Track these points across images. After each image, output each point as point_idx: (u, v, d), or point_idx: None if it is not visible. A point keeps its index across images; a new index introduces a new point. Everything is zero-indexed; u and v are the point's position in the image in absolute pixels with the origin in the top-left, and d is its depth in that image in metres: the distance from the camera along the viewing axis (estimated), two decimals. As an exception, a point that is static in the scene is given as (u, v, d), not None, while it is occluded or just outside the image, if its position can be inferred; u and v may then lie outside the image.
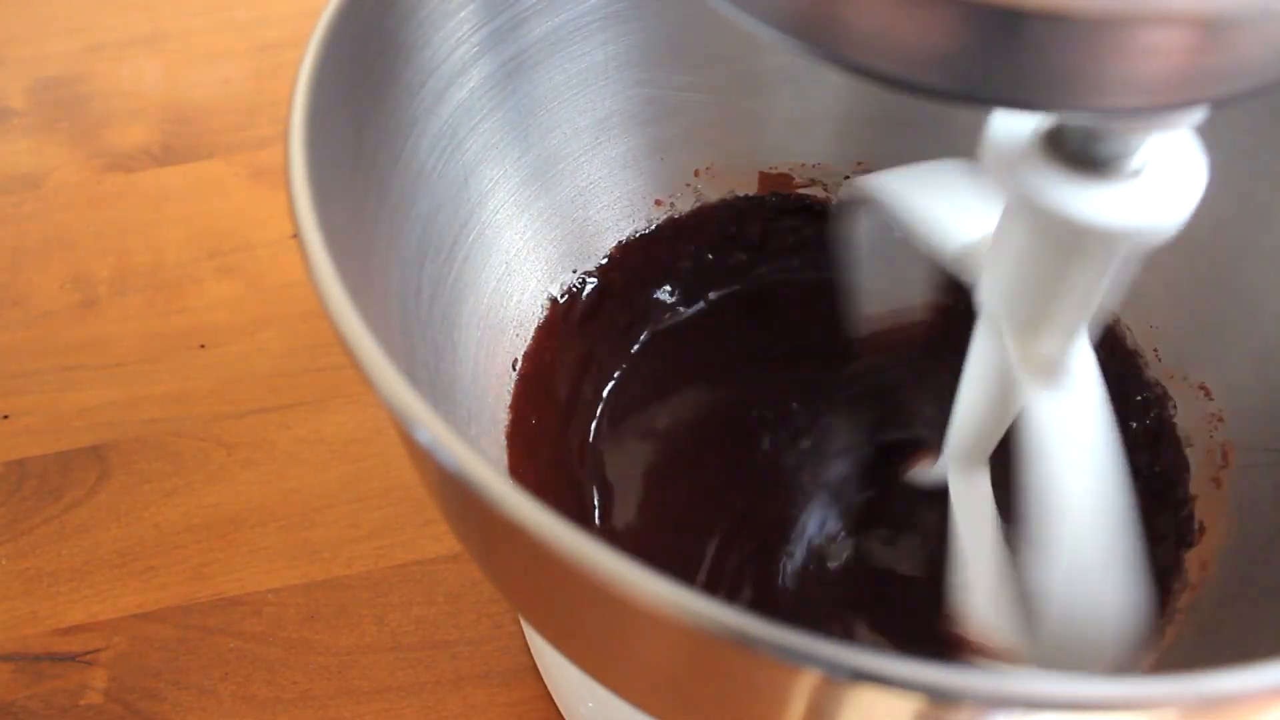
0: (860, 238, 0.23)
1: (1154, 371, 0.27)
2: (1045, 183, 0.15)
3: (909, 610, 0.25)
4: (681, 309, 0.30)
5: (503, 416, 0.25)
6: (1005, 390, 0.20)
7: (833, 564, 0.26)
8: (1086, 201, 0.15)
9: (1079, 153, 0.15)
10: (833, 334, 0.30)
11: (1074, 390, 0.18)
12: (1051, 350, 0.18)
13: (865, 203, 0.20)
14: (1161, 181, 0.15)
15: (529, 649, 0.28)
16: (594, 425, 0.28)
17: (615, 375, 0.29)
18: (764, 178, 0.30)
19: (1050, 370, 0.18)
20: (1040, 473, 0.17)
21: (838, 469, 0.27)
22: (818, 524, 0.26)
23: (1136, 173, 0.15)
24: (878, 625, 0.25)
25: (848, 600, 0.25)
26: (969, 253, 0.19)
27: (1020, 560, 0.19)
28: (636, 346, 0.30)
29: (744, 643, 0.12)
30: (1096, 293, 0.17)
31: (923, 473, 0.25)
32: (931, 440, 0.26)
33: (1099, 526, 0.17)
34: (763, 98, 0.28)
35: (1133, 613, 0.17)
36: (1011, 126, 0.16)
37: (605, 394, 0.29)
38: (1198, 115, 0.14)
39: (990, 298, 0.19)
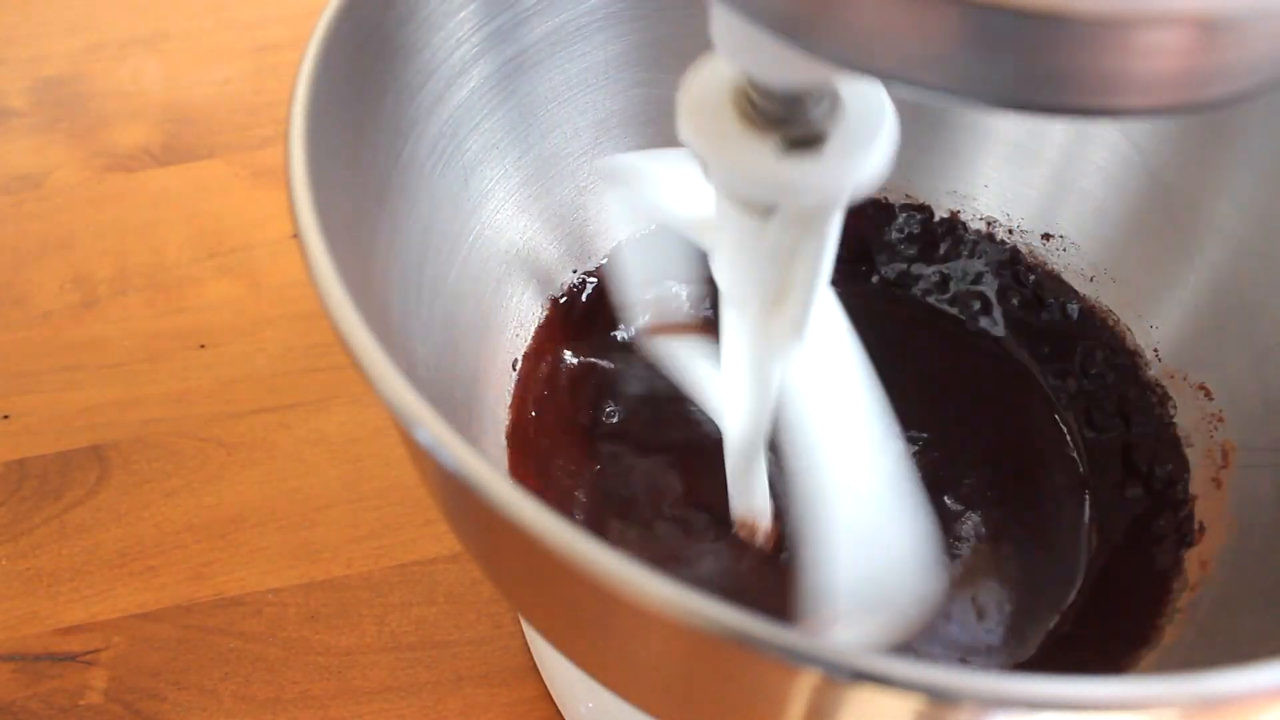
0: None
1: (1154, 371, 0.27)
2: (740, 157, 0.15)
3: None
4: (681, 309, 0.30)
5: (503, 416, 0.25)
6: (762, 365, 0.20)
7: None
8: (780, 169, 0.15)
9: (767, 115, 0.15)
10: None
11: (823, 347, 0.19)
12: (793, 315, 0.18)
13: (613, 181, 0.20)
14: (852, 139, 0.15)
15: (529, 649, 0.28)
16: (594, 425, 0.28)
17: (615, 375, 0.29)
18: (764, 178, 0.30)
19: (796, 333, 0.18)
20: (805, 432, 0.18)
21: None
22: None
23: (825, 135, 0.15)
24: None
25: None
26: (701, 230, 0.19)
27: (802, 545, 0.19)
28: (636, 346, 0.30)
29: (744, 643, 0.12)
30: (819, 255, 0.17)
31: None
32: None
33: (871, 474, 0.17)
34: (763, 98, 0.28)
35: (920, 555, 0.17)
36: (705, 94, 0.16)
37: (605, 394, 0.29)
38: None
39: (723, 277, 0.19)
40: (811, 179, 0.15)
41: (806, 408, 0.18)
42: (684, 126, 0.16)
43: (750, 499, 0.24)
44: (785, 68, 0.14)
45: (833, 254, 0.17)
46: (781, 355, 0.19)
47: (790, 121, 0.15)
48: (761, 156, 0.15)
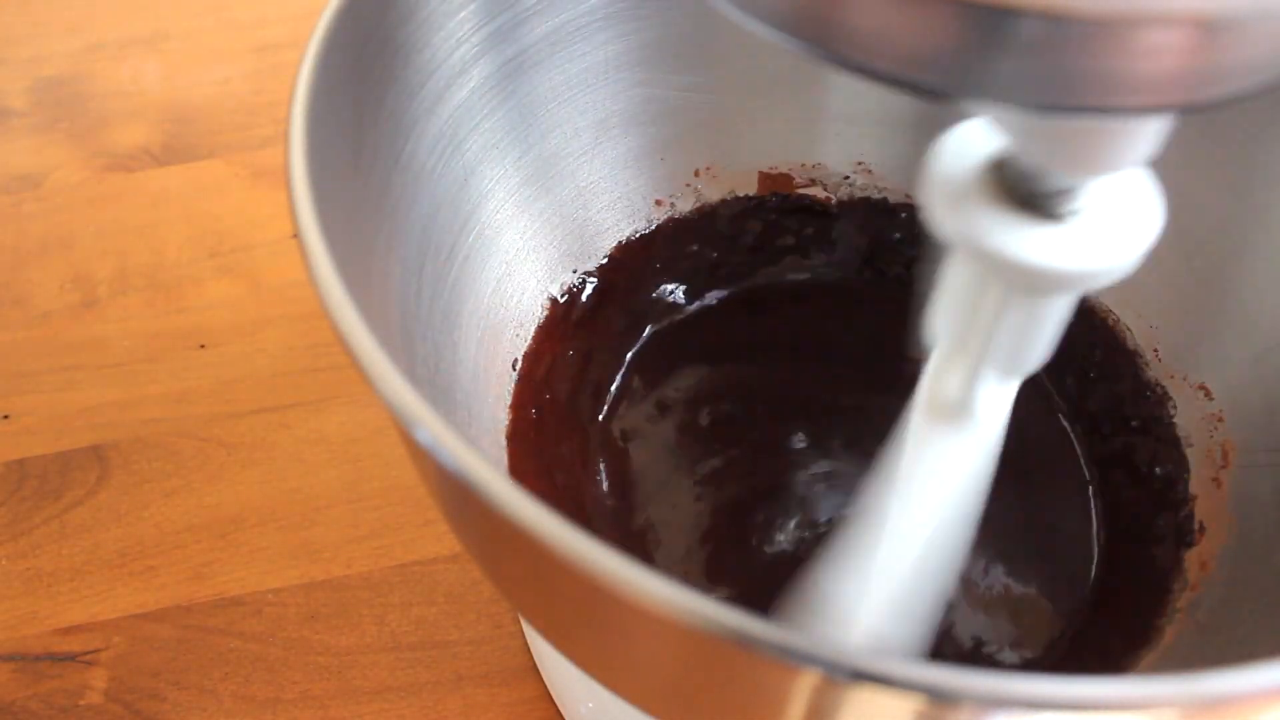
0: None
1: (1154, 371, 0.27)
2: (981, 218, 0.14)
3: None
4: (682, 309, 0.30)
5: (503, 416, 0.25)
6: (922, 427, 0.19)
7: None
8: (1021, 240, 0.14)
9: (1020, 188, 0.14)
10: (832, 333, 0.30)
11: (967, 437, 0.18)
12: (959, 388, 0.18)
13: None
14: (1106, 223, 0.14)
15: (529, 649, 0.28)
16: (594, 425, 0.28)
17: (615, 375, 0.29)
18: (764, 178, 0.30)
19: (950, 412, 0.18)
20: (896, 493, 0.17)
21: (835, 467, 0.27)
22: (814, 522, 0.26)
23: (1077, 213, 0.14)
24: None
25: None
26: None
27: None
28: (636, 346, 0.30)
29: (744, 643, 0.12)
30: (1025, 337, 0.16)
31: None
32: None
33: (926, 533, 0.17)
34: (763, 98, 0.28)
35: (927, 615, 0.17)
36: (955, 160, 0.15)
37: (605, 394, 0.29)
38: (1151, 148, 0.13)
39: (930, 324, 0.18)
40: (1051, 253, 0.14)
41: (916, 461, 0.18)
42: (930, 175, 0.15)
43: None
44: (1054, 157, 0.13)
45: (1042, 346, 0.17)
46: (921, 419, 0.18)
47: (1043, 191, 0.14)
48: (1005, 223, 0.14)
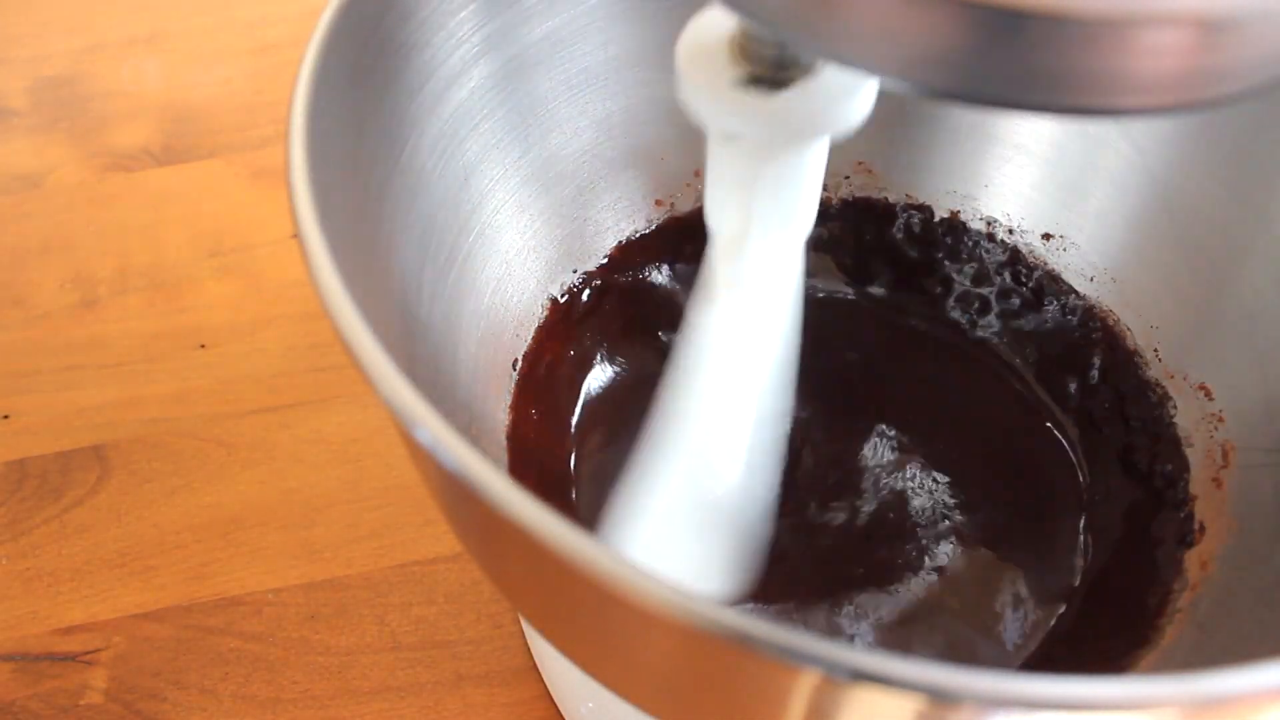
0: None
1: (1154, 371, 0.27)
2: (728, 94, 0.16)
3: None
4: (681, 309, 0.30)
5: (503, 416, 0.25)
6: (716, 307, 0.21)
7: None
8: (769, 106, 0.16)
9: (760, 58, 0.16)
10: (832, 333, 0.30)
11: (763, 301, 0.19)
12: (736, 263, 0.19)
13: None
14: (819, 87, 0.16)
15: (529, 649, 0.28)
16: (595, 425, 0.28)
17: (616, 375, 0.29)
18: (764, 178, 0.30)
19: (727, 287, 0.19)
20: (697, 356, 0.18)
21: (833, 466, 0.27)
22: (808, 518, 0.26)
23: (812, 74, 0.16)
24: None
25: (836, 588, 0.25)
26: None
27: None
28: (636, 346, 0.30)
29: (743, 643, 0.12)
30: (776, 194, 0.18)
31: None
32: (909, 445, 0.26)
33: (734, 418, 0.18)
34: (763, 98, 0.28)
35: (752, 512, 0.17)
36: (701, 40, 0.17)
37: (606, 393, 0.29)
38: None
39: (706, 207, 0.19)
40: (760, 112, 0.16)
41: (714, 344, 0.19)
42: (679, 53, 0.17)
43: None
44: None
45: (795, 208, 0.18)
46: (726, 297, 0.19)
47: (779, 63, 0.16)
48: (725, 83, 0.16)
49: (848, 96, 0.16)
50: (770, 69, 0.16)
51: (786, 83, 0.16)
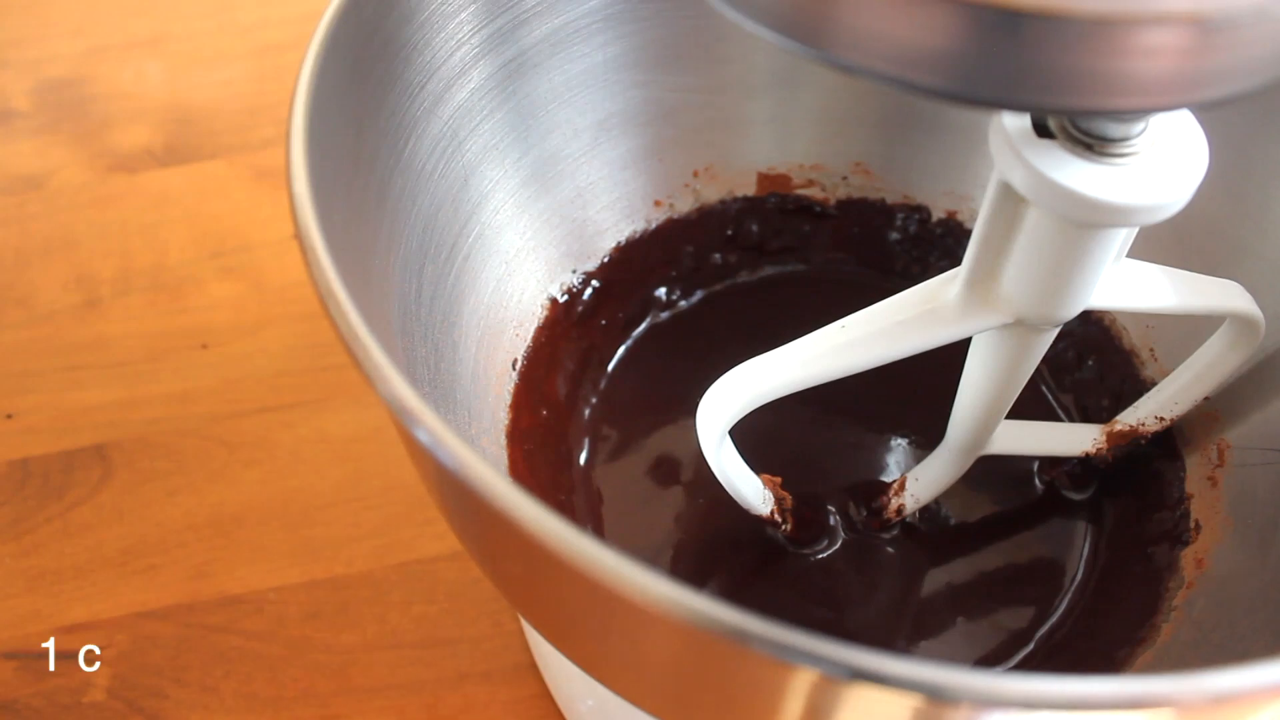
0: None
1: (1151, 371, 0.27)
2: (1053, 164, 0.16)
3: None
4: (681, 309, 0.30)
5: (503, 416, 0.25)
6: (1007, 381, 0.21)
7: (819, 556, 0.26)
8: (1094, 181, 0.15)
9: (1084, 135, 0.16)
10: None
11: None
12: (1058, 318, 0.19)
13: None
14: (1163, 161, 0.16)
15: (529, 647, 0.29)
16: (594, 425, 0.28)
17: (615, 375, 0.29)
18: (762, 178, 0.30)
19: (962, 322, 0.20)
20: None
21: (833, 465, 0.27)
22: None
23: (1138, 153, 0.16)
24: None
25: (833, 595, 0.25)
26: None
27: None
28: (636, 346, 0.30)
29: (742, 641, 0.12)
30: (1098, 270, 0.18)
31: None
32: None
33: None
34: (761, 99, 0.28)
35: None
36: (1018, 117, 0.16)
37: (605, 393, 0.29)
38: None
39: (1008, 287, 0.19)
40: (1122, 191, 0.15)
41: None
42: (996, 136, 0.17)
43: None
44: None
45: (1082, 286, 0.18)
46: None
47: (1107, 136, 0.16)
48: (1074, 166, 0.16)
49: (1175, 170, 0.16)
50: (1088, 145, 0.16)
51: (1115, 156, 0.16)
